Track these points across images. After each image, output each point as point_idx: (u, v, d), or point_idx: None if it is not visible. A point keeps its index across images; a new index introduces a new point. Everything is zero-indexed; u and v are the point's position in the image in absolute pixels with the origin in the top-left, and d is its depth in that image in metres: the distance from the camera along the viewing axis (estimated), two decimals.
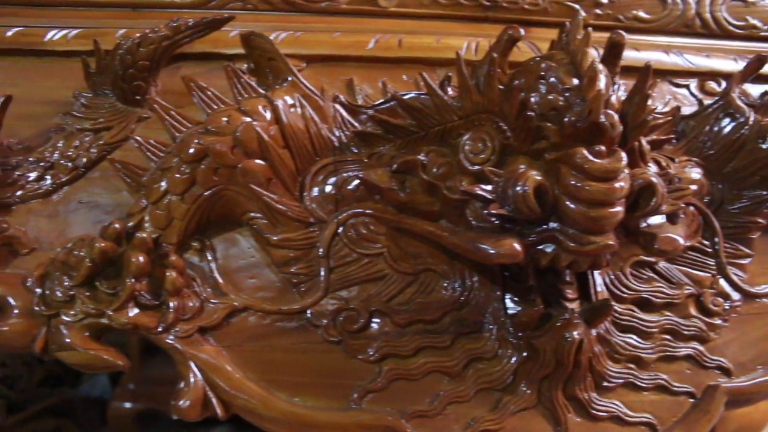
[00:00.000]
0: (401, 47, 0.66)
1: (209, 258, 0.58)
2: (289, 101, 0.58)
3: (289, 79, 0.60)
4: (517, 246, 0.51)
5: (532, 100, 0.52)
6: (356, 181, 0.58)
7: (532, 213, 0.49)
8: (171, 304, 0.55)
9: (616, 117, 0.50)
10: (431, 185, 0.55)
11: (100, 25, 0.66)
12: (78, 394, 2.18)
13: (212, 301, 0.57)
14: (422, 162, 0.56)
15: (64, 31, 0.64)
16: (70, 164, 0.59)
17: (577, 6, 0.70)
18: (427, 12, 0.70)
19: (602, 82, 0.49)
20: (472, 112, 0.54)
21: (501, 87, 0.53)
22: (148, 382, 1.88)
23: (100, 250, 0.53)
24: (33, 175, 0.59)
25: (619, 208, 0.50)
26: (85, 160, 0.59)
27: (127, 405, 1.92)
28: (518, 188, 0.49)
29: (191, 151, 0.55)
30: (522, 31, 0.55)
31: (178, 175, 0.55)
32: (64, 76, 0.64)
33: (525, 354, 0.58)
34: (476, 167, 0.54)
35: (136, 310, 0.55)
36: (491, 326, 0.58)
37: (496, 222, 0.53)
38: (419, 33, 0.68)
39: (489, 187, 0.52)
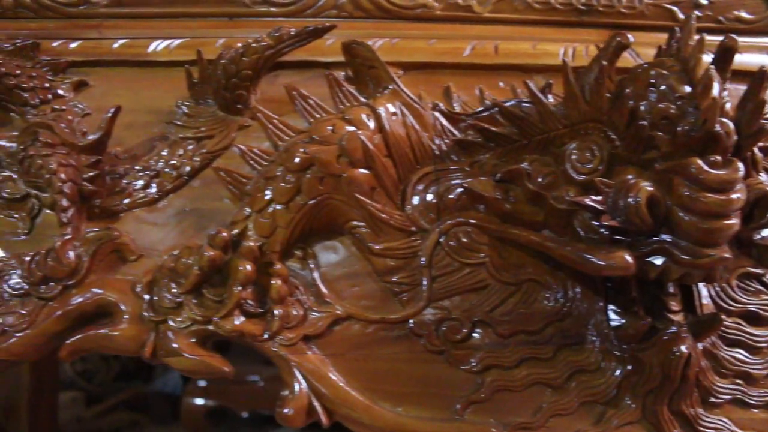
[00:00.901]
0: (498, 54, 0.66)
1: (311, 266, 0.58)
2: (391, 109, 0.58)
3: (390, 87, 0.59)
4: (629, 258, 0.50)
5: (642, 108, 0.50)
6: (458, 190, 0.58)
7: (644, 225, 0.48)
8: (276, 312, 0.55)
9: (731, 125, 0.49)
10: (536, 195, 0.54)
11: (201, 35, 0.66)
12: (152, 389, 2.24)
13: (315, 309, 0.57)
14: (527, 171, 0.55)
15: (167, 42, 0.65)
16: (174, 172, 0.60)
17: (675, 8, 0.68)
18: (521, 17, 0.69)
19: (717, 89, 0.48)
20: (579, 120, 0.53)
21: (609, 95, 0.51)
22: (219, 379, 1.91)
23: (209, 259, 0.53)
24: (139, 184, 0.60)
25: (734, 220, 0.48)
26: (188, 168, 0.60)
27: (199, 402, 1.96)
28: (630, 199, 0.48)
29: (297, 160, 0.55)
30: (631, 38, 0.53)
31: (283, 184, 0.56)
32: (167, 86, 0.65)
33: (629, 367, 0.56)
34: (583, 177, 0.53)
35: (241, 318, 0.55)
36: (594, 338, 0.57)
37: (606, 233, 0.52)
38: (515, 39, 0.67)
39: (599, 198, 0.50)
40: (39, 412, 1.67)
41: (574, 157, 0.53)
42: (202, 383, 1.93)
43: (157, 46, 0.65)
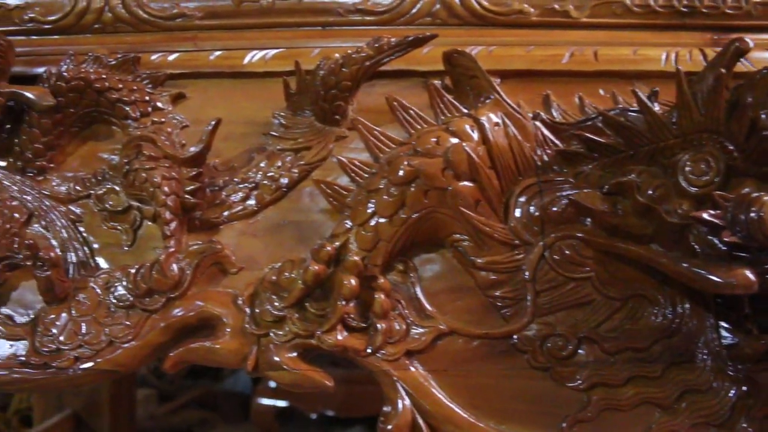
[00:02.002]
0: (597, 60, 0.64)
1: (412, 280, 0.57)
2: (494, 120, 0.57)
3: (492, 97, 0.58)
4: (751, 276, 0.48)
5: (763, 117, 0.48)
6: (563, 203, 0.56)
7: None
8: (379, 327, 0.54)
9: None
10: (646, 208, 0.52)
11: (295, 46, 0.66)
12: (221, 388, 2.27)
13: (418, 323, 0.56)
14: (636, 183, 0.53)
15: (263, 53, 0.65)
16: (272, 184, 0.60)
17: None
18: (620, 22, 0.67)
19: None
20: (692, 130, 0.51)
21: (726, 104, 0.49)
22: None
23: (313, 274, 0.53)
24: (238, 196, 0.60)
25: None
26: (287, 180, 0.60)
27: (269, 402, 1.99)
28: (752, 214, 0.46)
29: (401, 173, 0.54)
30: (751, 43, 0.51)
31: (386, 197, 0.55)
32: (263, 97, 0.64)
33: (744, 388, 0.54)
34: (698, 190, 0.51)
35: (344, 332, 0.54)
36: (705, 356, 0.55)
37: (724, 249, 0.49)
38: (614, 44, 0.65)
39: (717, 212, 0.48)
40: (119, 408, 1.71)
41: (687, 168, 0.51)
42: (272, 384, 1.95)
43: (252, 57, 0.65)
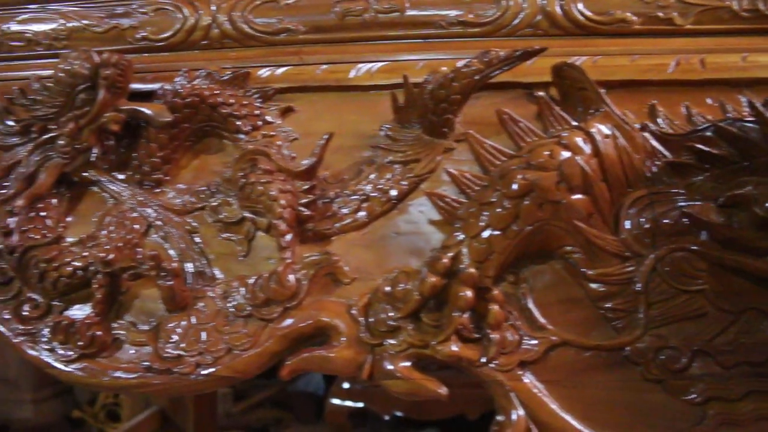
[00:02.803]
0: (705, 68, 0.63)
1: (523, 291, 0.58)
2: (604, 132, 0.57)
3: (602, 109, 0.57)
4: None
5: None
6: (674, 214, 0.56)
7: None
8: (492, 338, 0.55)
9: None
10: (765, 221, 0.51)
11: (398, 58, 0.67)
12: (295, 388, 2.32)
13: (530, 334, 0.57)
14: (754, 196, 0.52)
15: (368, 66, 0.66)
16: (383, 196, 0.61)
17: None
18: (727, 27, 0.65)
19: None
20: None
21: None
22: (363, 381, 1.95)
23: (431, 285, 0.54)
24: (350, 208, 0.61)
25: None
26: (396, 192, 0.61)
27: (343, 403, 2.02)
28: None
29: (515, 186, 0.55)
30: None
31: (499, 210, 0.55)
32: (368, 110, 0.66)
33: None
34: None
35: (459, 343, 0.55)
36: None
37: None
38: (721, 51, 0.64)
39: None
40: (202, 406, 1.76)
41: None
42: (346, 385, 1.98)
43: (358, 70, 0.66)
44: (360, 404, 2.01)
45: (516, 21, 0.66)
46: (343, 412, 2.05)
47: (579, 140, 0.56)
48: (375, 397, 1.98)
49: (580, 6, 0.65)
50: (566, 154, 0.55)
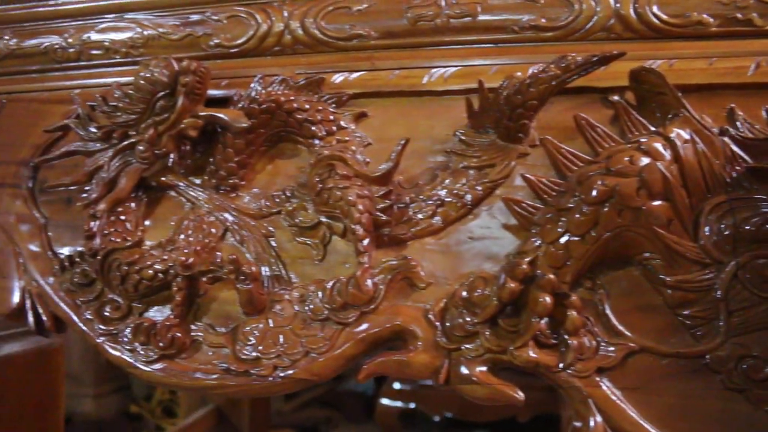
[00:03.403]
0: None
1: (600, 297, 0.57)
2: (684, 137, 0.56)
3: (681, 113, 0.57)
4: None
5: None
6: (755, 220, 0.55)
7: None
8: (571, 343, 0.55)
9: None
10: None
11: (468, 63, 0.67)
12: (344, 387, 2.34)
13: (607, 341, 0.56)
14: None
15: (441, 71, 0.66)
16: (458, 201, 0.61)
17: None
18: None
19: None
20: None
21: None
22: (413, 382, 1.97)
23: (510, 291, 0.54)
24: (425, 213, 0.61)
25: None
26: (470, 197, 0.61)
27: (393, 403, 2.03)
28: None
29: (594, 193, 0.55)
30: None
31: (578, 216, 0.55)
32: (441, 115, 0.66)
33: None
34: None
35: (536, 349, 0.55)
36: None
37: None
38: None
39: None
40: (257, 405, 1.79)
41: None
42: (396, 385, 2.00)
43: (431, 76, 0.66)
44: (410, 405, 2.02)
45: (589, 25, 0.66)
46: (393, 413, 2.06)
47: (659, 146, 0.56)
48: (426, 398, 1.99)
49: (655, 9, 0.64)
50: (646, 160, 0.55)
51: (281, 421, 2.17)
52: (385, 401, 2.04)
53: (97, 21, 0.79)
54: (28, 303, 0.72)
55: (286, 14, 0.72)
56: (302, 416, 2.22)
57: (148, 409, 2.24)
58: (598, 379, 0.56)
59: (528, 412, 1.91)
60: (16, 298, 0.73)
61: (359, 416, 2.28)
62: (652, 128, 0.58)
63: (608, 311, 0.57)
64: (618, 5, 0.65)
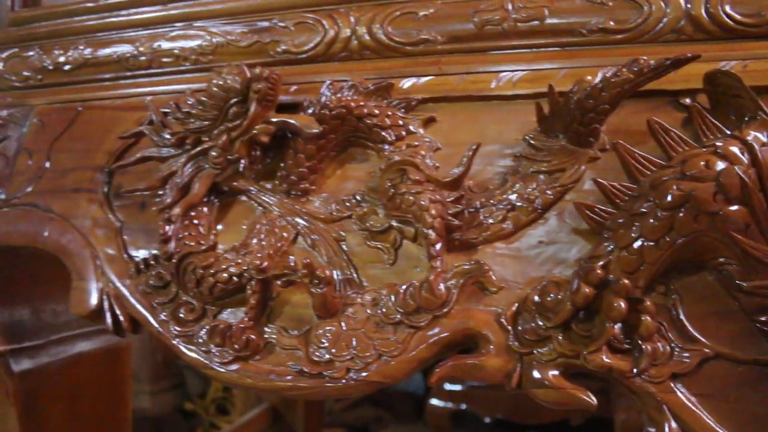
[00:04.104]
0: None
1: (674, 302, 0.57)
2: (762, 140, 0.55)
3: (758, 116, 0.56)
4: None
5: None
6: None
7: None
8: (644, 349, 0.54)
9: None
10: None
11: (535, 67, 0.67)
12: (395, 387, 2.35)
13: (681, 346, 0.56)
14: None
15: (509, 75, 0.67)
16: (528, 206, 0.61)
17: None
18: None
19: None
20: None
21: None
22: (463, 382, 1.98)
23: (584, 296, 0.54)
24: (496, 217, 0.62)
25: None
26: (541, 201, 0.61)
27: (444, 404, 2.04)
28: None
29: (669, 198, 0.54)
30: None
31: (652, 221, 0.55)
32: (509, 119, 0.66)
33: None
34: None
35: (609, 354, 0.55)
36: None
37: None
38: None
39: None
40: (312, 403, 1.81)
41: None
42: (447, 386, 2.00)
43: (500, 80, 0.67)
44: (461, 406, 2.02)
45: (659, 26, 0.65)
46: (443, 414, 2.06)
47: (736, 149, 0.55)
48: (476, 399, 1.99)
49: (728, 8, 0.63)
50: (723, 164, 0.54)
51: (332, 420, 2.20)
52: (435, 401, 2.04)
53: (167, 30, 0.81)
54: (105, 304, 0.74)
55: (353, 20, 0.73)
56: (352, 415, 2.23)
57: (202, 407, 2.28)
58: (672, 384, 0.56)
59: (581, 416, 1.90)
60: (94, 299, 0.75)
61: (409, 416, 2.29)
62: (728, 131, 0.57)
63: (682, 316, 0.57)
64: (689, 6, 0.64)
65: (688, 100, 0.62)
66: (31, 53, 0.92)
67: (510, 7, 0.68)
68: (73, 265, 0.77)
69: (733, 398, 0.55)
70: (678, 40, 0.66)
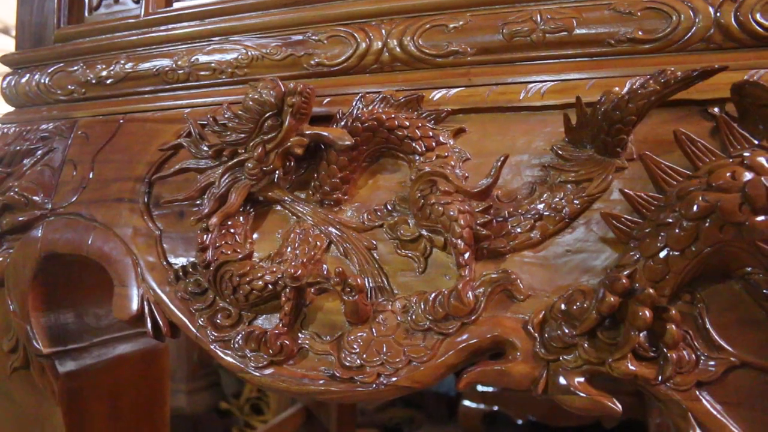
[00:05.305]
0: None
1: (700, 311, 0.57)
2: None
3: None
4: None
5: None
6: None
7: None
8: (670, 357, 0.55)
9: None
10: None
11: (564, 78, 0.68)
12: (427, 389, 2.37)
13: (707, 354, 0.56)
14: None
15: (538, 86, 0.68)
16: (556, 216, 0.62)
17: None
18: None
19: None
20: None
21: None
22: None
23: (610, 305, 0.55)
24: (523, 227, 0.63)
25: None
26: (568, 210, 0.62)
27: (477, 405, 2.05)
28: None
29: (695, 208, 0.55)
30: None
31: (678, 231, 0.56)
32: (538, 129, 0.67)
33: None
34: None
35: (635, 361, 0.56)
36: None
37: None
38: None
39: None
40: (344, 405, 1.84)
41: None
42: (479, 387, 2.01)
43: (528, 91, 0.68)
44: (494, 407, 2.03)
45: (687, 36, 0.66)
46: (476, 415, 2.07)
47: (763, 160, 0.55)
48: (509, 401, 1.99)
49: (758, 16, 0.63)
50: (749, 175, 0.55)
51: (365, 420, 2.21)
52: (467, 403, 2.05)
53: (204, 44, 0.84)
54: (146, 309, 0.77)
55: (384, 33, 0.75)
56: (385, 416, 2.25)
57: (237, 406, 2.32)
58: (697, 392, 0.56)
59: (614, 419, 1.88)
60: (135, 305, 0.78)
61: (442, 417, 2.30)
62: (756, 141, 0.58)
63: (708, 325, 0.57)
64: (718, 14, 0.64)
65: (716, 110, 0.63)
66: (75, 68, 0.96)
67: (538, 18, 0.70)
68: (115, 272, 0.80)
69: (760, 407, 0.56)
70: (707, 49, 0.66)
